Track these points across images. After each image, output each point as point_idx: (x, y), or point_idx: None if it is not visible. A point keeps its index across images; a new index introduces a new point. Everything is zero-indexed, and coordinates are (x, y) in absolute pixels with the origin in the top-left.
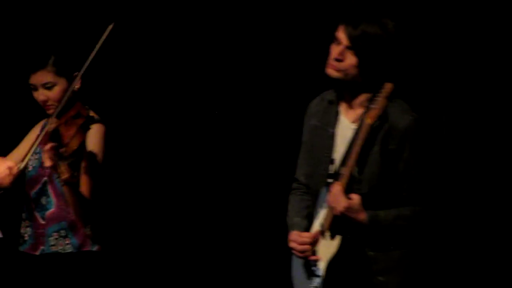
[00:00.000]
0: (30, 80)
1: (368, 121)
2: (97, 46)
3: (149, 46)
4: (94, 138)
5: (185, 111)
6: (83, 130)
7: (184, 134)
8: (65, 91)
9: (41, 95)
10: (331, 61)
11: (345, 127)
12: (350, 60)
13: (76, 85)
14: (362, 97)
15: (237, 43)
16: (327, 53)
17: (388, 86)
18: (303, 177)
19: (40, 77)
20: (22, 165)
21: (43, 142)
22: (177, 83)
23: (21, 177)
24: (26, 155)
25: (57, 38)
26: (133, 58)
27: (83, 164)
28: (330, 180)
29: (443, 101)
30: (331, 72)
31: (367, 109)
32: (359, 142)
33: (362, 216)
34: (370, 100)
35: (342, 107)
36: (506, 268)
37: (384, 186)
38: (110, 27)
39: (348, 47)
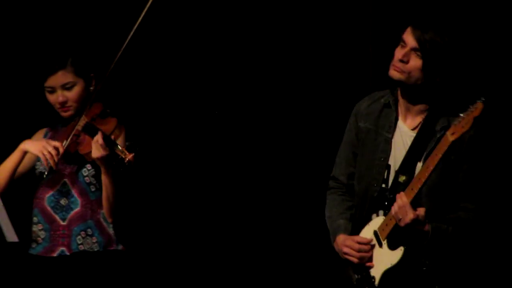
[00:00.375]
0: (47, 83)
1: (451, 138)
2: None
3: (151, 45)
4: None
5: (195, 111)
6: (115, 120)
7: (202, 136)
8: (83, 91)
9: (60, 96)
10: (396, 63)
11: (404, 134)
12: (415, 62)
13: (92, 85)
14: (422, 105)
15: (239, 43)
16: (328, 53)
17: (479, 106)
18: (344, 177)
19: (60, 78)
20: (67, 143)
21: (71, 141)
22: (182, 84)
23: (28, 182)
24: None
25: (73, 39)
26: (136, 59)
27: None
28: (383, 186)
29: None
30: (394, 74)
31: (452, 125)
32: (437, 157)
33: (427, 227)
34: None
35: (400, 112)
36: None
37: (442, 196)
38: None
39: (414, 49)
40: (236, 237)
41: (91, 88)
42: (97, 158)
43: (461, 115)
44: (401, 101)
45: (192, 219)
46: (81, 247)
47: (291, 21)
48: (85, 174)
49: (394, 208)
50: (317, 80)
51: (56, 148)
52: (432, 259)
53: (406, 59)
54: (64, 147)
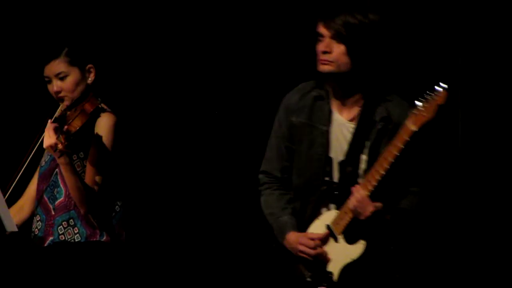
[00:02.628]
0: (44, 73)
1: (413, 127)
2: None
3: (150, 45)
4: (103, 128)
5: (193, 108)
6: (87, 113)
7: (193, 131)
8: (77, 82)
9: (55, 86)
10: (321, 56)
11: (341, 125)
12: (338, 48)
13: (90, 77)
14: (357, 95)
15: (239, 43)
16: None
17: (442, 94)
18: (277, 171)
19: (54, 68)
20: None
21: None
22: (182, 84)
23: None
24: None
25: (69, 29)
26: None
27: (90, 152)
28: (327, 178)
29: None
30: (323, 68)
31: (412, 114)
32: (397, 147)
33: (388, 215)
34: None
35: (334, 105)
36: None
37: (394, 182)
38: None
39: (332, 37)
40: (230, 232)
41: (90, 79)
42: (47, 148)
43: (420, 103)
44: (334, 93)
45: (188, 217)
46: (62, 237)
47: (291, 21)
48: None
49: (352, 202)
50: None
51: (54, 129)
52: (396, 245)
53: (328, 49)
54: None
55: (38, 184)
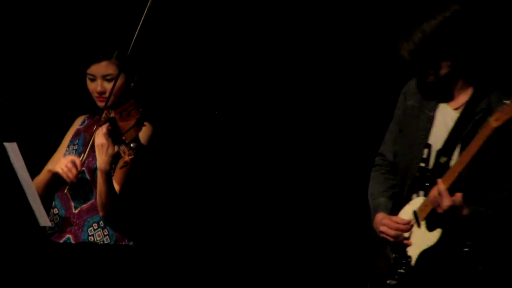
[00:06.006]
0: (90, 70)
1: (495, 124)
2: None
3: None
4: (142, 137)
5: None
6: (139, 124)
7: (202, 135)
8: (122, 86)
9: (99, 86)
10: (428, 79)
11: (446, 113)
12: (443, 70)
13: (133, 83)
14: (466, 85)
15: (239, 43)
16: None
17: None
18: (391, 154)
19: (103, 68)
20: (84, 156)
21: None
22: (182, 84)
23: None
24: (87, 147)
25: (124, 33)
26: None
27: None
28: (422, 165)
29: None
30: (429, 81)
31: (495, 110)
32: (478, 142)
33: (465, 212)
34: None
35: (445, 91)
36: None
37: (484, 180)
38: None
39: (427, 65)
40: (240, 235)
41: (132, 84)
42: (96, 146)
43: (506, 101)
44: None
45: (194, 220)
46: (91, 239)
47: (291, 21)
48: None
49: (433, 193)
50: (316, 79)
51: (73, 162)
52: (475, 240)
53: (433, 79)
54: (85, 154)
55: (61, 178)
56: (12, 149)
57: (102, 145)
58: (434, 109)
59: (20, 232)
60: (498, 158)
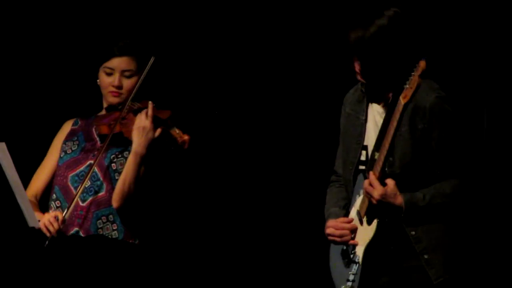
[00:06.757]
0: (109, 63)
1: (403, 101)
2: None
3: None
4: None
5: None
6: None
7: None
8: (137, 83)
9: (117, 80)
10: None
11: (375, 112)
12: (377, 68)
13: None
14: (392, 81)
15: (239, 43)
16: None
17: (421, 64)
18: (339, 168)
19: (123, 63)
20: (67, 214)
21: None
22: (181, 84)
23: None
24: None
25: (150, 33)
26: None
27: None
28: (362, 167)
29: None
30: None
31: (402, 89)
32: (393, 123)
33: (399, 200)
34: (402, 80)
35: (374, 92)
36: None
37: (417, 166)
38: (151, 61)
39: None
40: (241, 235)
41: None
42: (137, 128)
43: (410, 77)
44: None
45: (194, 220)
46: (100, 231)
47: (291, 21)
48: (113, 160)
49: (365, 185)
50: (316, 79)
51: (55, 217)
52: (417, 228)
53: (357, 70)
54: (100, 152)
55: (61, 169)
56: (1, 149)
57: (144, 128)
58: (366, 111)
59: (9, 232)
60: (427, 144)
